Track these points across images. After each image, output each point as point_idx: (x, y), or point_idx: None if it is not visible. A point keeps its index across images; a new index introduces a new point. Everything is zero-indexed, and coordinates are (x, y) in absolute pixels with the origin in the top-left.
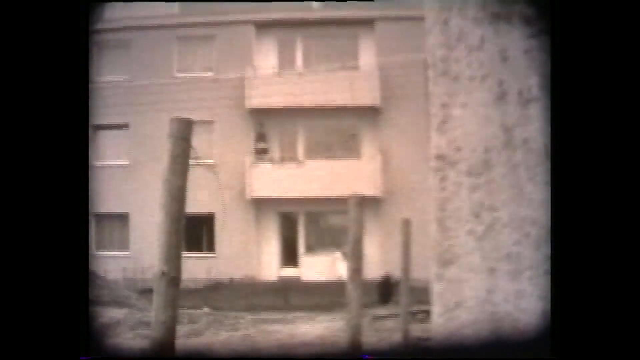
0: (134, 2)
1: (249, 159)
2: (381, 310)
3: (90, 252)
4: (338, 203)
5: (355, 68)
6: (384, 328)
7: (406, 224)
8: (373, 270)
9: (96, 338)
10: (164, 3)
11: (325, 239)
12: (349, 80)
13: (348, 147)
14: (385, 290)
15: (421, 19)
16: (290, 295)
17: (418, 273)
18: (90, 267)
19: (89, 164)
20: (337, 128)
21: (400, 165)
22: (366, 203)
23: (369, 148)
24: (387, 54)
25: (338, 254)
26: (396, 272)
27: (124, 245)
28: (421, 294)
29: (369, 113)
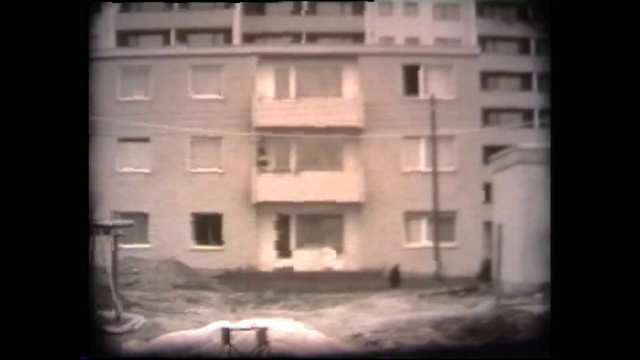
0: (134, 2)
1: (254, 169)
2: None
3: (89, 253)
4: (325, 207)
5: (340, 95)
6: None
7: (499, 228)
8: (356, 262)
9: (96, 338)
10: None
11: (314, 236)
12: (335, 105)
13: (334, 160)
14: (395, 277)
15: (397, 55)
16: (314, 281)
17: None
18: (90, 267)
19: (89, 165)
20: (325, 144)
21: (377, 176)
22: (349, 207)
23: (351, 161)
24: (368, 84)
25: (325, 249)
26: (375, 264)
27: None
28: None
29: (352, 133)
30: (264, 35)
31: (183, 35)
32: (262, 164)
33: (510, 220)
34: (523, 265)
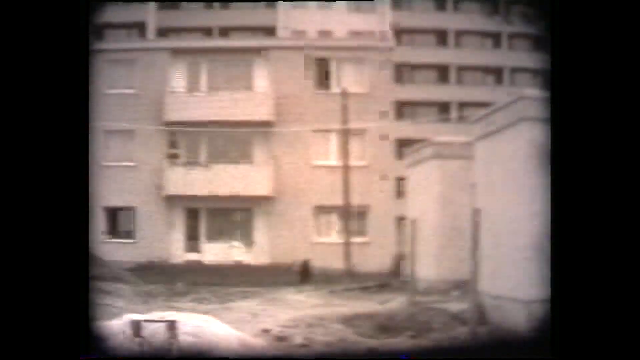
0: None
1: (165, 162)
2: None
3: (90, 253)
4: (235, 200)
5: (251, 89)
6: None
7: (413, 223)
8: (266, 256)
9: (96, 338)
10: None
11: (224, 230)
12: (245, 99)
13: (244, 154)
14: (305, 272)
15: (309, 48)
16: (224, 275)
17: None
18: (90, 268)
19: (89, 164)
20: (235, 138)
21: (288, 170)
22: (259, 201)
23: (261, 155)
24: (279, 77)
25: (234, 242)
26: (285, 258)
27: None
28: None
29: (262, 126)
30: (177, 30)
31: (99, 30)
32: (173, 157)
33: (424, 215)
34: (438, 261)
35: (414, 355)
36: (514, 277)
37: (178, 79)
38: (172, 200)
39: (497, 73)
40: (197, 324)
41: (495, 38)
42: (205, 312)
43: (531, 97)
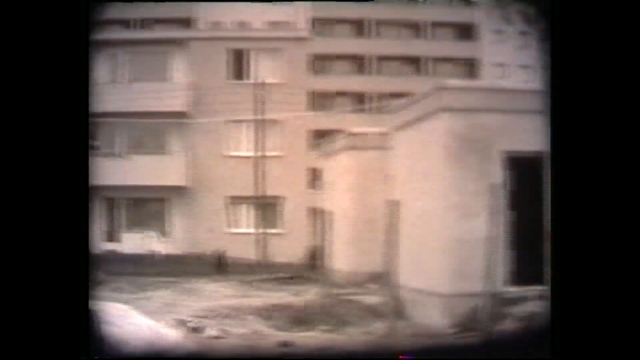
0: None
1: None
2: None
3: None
4: (151, 190)
5: (168, 80)
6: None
7: (328, 215)
8: (182, 246)
9: (96, 339)
10: None
11: (141, 220)
12: (162, 90)
13: (160, 144)
14: (220, 263)
15: (226, 39)
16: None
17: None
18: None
19: (89, 165)
20: (151, 129)
21: (202, 160)
22: (175, 191)
23: (177, 146)
24: (195, 68)
25: (151, 232)
26: (200, 248)
27: None
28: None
29: (178, 117)
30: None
31: None
32: (92, 149)
33: (339, 206)
34: (353, 253)
35: (414, 355)
36: (431, 270)
37: (99, 71)
38: (91, 191)
39: (416, 63)
40: (114, 312)
41: (415, 27)
42: (122, 302)
43: (450, 87)
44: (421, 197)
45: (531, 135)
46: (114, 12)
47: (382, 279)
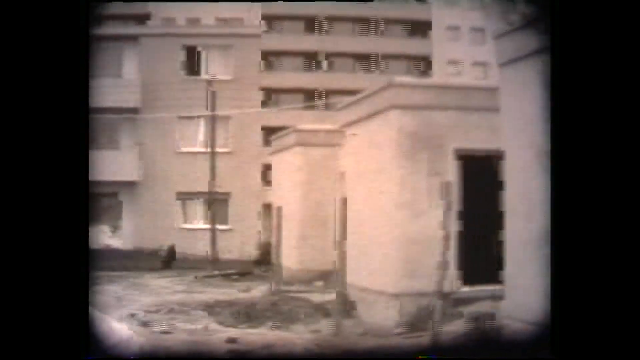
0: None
1: None
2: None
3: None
4: (102, 185)
5: (120, 76)
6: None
7: (277, 211)
8: (132, 240)
9: (96, 339)
10: None
11: (93, 215)
12: (113, 85)
13: (112, 140)
14: (169, 258)
15: (177, 35)
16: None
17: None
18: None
19: (89, 166)
20: (103, 124)
21: (153, 156)
22: (125, 186)
23: (128, 141)
24: (147, 64)
25: (102, 227)
26: (149, 243)
27: None
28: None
29: (129, 113)
30: None
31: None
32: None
33: (288, 203)
34: (301, 250)
35: (411, 355)
36: (380, 269)
37: None
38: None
39: (368, 60)
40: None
41: (367, 24)
42: None
43: (400, 84)
44: (371, 194)
45: (484, 133)
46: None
47: (330, 277)
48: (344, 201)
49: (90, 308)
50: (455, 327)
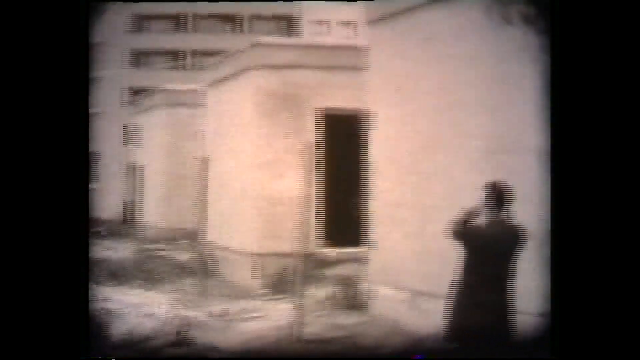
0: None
1: None
2: None
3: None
4: None
5: None
6: None
7: (140, 170)
8: None
9: (96, 339)
10: None
11: None
12: None
13: None
14: None
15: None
16: None
17: None
18: (90, 265)
19: (89, 166)
20: None
21: None
22: None
23: None
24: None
25: None
26: None
27: None
28: None
29: None
30: None
31: None
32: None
33: (152, 162)
34: (165, 209)
35: (408, 354)
36: (242, 229)
37: None
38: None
39: (233, 21)
40: None
41: None
42: None
43: (263, 44)
44: (232, 154)
45: (348, 92)
46: None
47: (193, 236)
48: (206, 160)
49: (90, 308)
50: (319, 290)
